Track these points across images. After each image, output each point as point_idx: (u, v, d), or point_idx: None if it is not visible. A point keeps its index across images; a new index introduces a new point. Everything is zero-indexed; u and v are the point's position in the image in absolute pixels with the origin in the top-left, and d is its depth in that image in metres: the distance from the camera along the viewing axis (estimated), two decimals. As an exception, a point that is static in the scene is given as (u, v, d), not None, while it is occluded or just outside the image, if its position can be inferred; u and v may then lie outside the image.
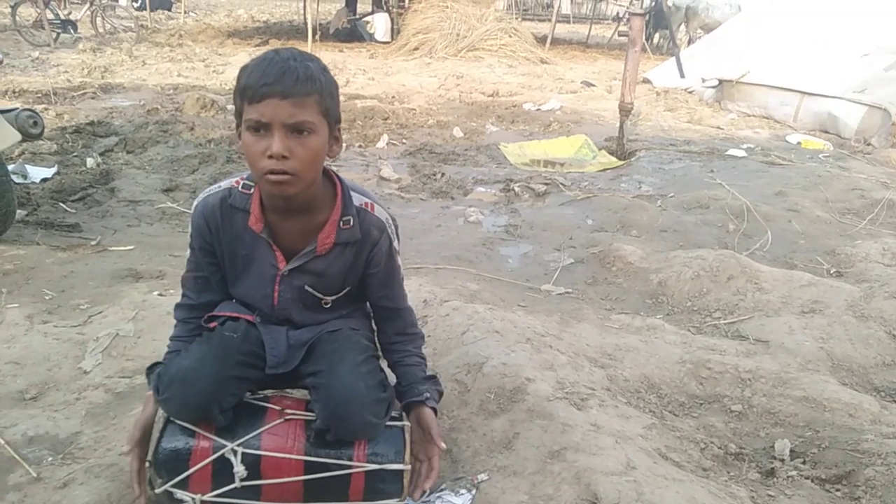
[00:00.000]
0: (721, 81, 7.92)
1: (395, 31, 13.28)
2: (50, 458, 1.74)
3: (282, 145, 1.33)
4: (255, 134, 1.34)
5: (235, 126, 1.45)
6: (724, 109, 7.76)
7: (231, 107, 1.43)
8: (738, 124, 7.10)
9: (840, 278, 3.20)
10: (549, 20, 14.67)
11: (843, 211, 4.26)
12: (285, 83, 1.31)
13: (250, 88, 1.32)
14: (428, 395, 1.65)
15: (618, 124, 5.73)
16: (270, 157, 1.33)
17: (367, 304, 1.78)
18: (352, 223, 1.53)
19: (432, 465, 1.62)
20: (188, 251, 1.63)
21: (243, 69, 1.37)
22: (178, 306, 1.70)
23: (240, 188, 1.53)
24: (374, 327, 1.77)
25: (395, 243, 1.63)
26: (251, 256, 1.57)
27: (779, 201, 4.29)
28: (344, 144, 5.58)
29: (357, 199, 1.55)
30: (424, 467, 1.62)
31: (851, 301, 2.79)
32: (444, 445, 1.57)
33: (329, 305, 1.63)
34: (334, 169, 1.58)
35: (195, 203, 1.57)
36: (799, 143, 6.18)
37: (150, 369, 1.61)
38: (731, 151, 5.72)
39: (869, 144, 6.16)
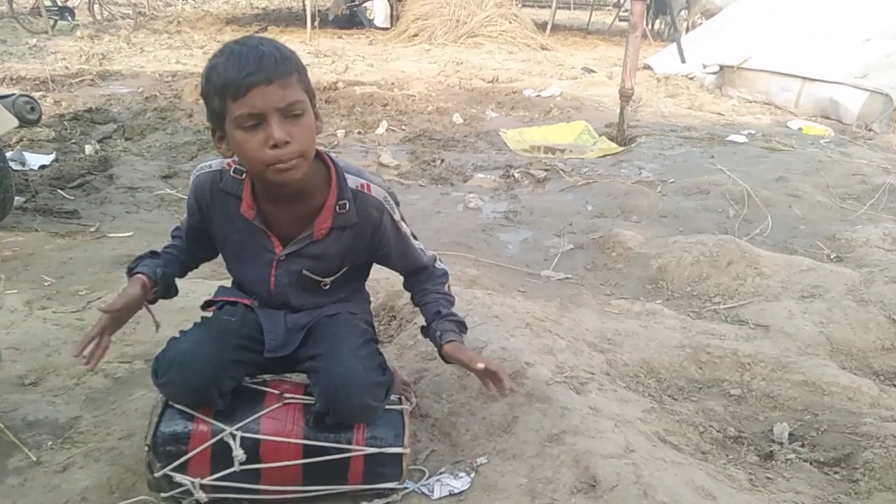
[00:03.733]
0: (722, 67, 7.87)
1: (394, 18, 13.19)
2: (50, 443, 1.75)
3: (282, 131, 1.29)
4: (248, 130, 1.30)
5: (213, 132, 1.40)
6: (725, 95, 7.71)
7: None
8: (739, 110, 7.07)
9: (840, 263, 3.20)
10: (550, 6, 14.55)
11: (844, 196, 4.24)
12: (267, 68, 1.27)
13: (232, 83, 1.26)
14: (440, 333, 1.61)
15: (618, 110, 5.70)
16: (274, 146, 1.29)
17: (366, 287, 1.78)
18: (347, 207, 1.50)
19: (490, 369, 1.54)
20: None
21: (212, 69, 1.30)
22: (176, 228, 1.72)
23: (231, 172, 1.50)
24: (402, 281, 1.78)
25: (396, 214, 1.60)
26: (243, 242, 1.55)
27: (779, 187, 4.28)
28: (343, 130, 5.62)
29: (353, 182, 1.51)
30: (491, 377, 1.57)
31: (851, 286, 2.79)
32: (481, 366, 1.51)
33: (328, 287, 1.62)
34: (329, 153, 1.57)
35: (191, 179, 1.57)
36: (800, 129, 6.15)
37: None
38: (732, 137, 5.69)
39: (870, 130, 6.14)
